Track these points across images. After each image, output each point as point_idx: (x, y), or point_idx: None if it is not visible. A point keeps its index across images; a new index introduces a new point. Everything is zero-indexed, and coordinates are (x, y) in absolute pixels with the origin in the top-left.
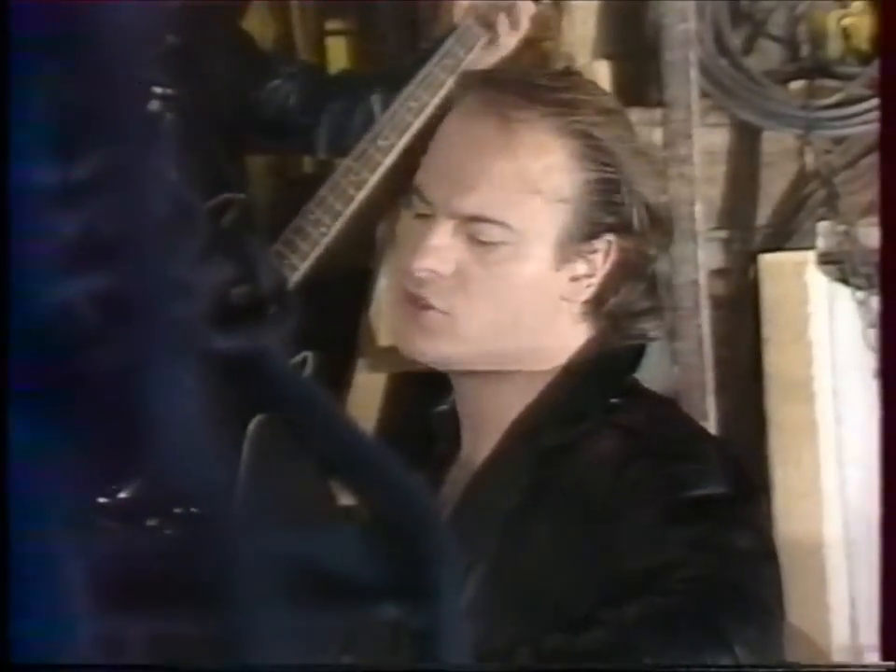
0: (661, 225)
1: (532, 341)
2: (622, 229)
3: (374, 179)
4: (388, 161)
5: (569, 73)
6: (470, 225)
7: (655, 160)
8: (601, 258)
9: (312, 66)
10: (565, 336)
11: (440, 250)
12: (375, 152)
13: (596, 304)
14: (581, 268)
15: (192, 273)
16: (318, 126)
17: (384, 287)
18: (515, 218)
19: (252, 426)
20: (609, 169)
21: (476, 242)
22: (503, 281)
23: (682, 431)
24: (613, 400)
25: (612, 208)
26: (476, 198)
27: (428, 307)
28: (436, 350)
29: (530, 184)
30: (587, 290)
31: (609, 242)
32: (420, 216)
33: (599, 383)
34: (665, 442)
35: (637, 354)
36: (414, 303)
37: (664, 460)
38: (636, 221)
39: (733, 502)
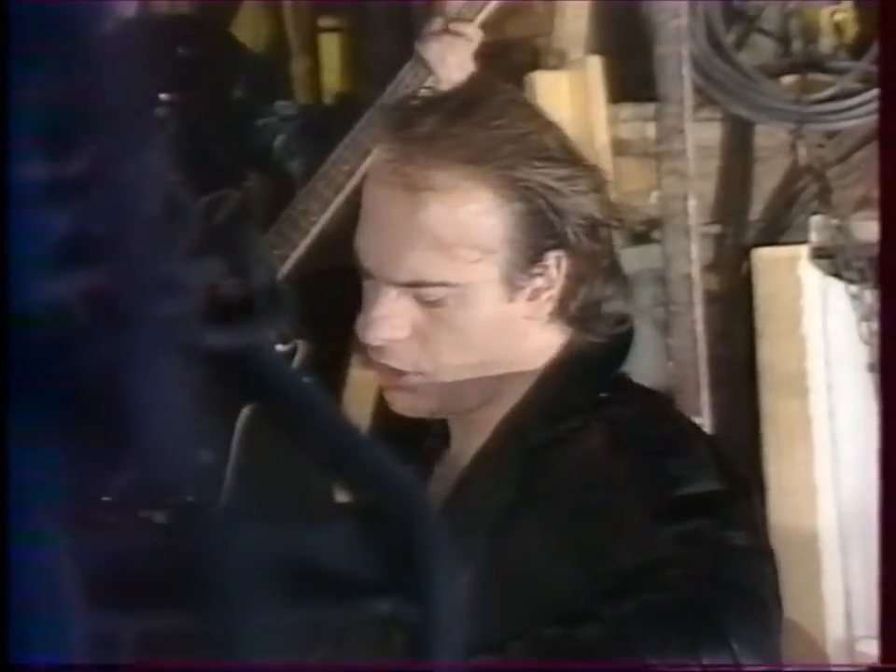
0: (603, 230)
1: (509, 356)
2: (563, 245)
3: (364, 167)
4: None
5: (482, 94)
6: (411, 290)
7: (587, 164)
8: (554, 270)
9: (309, 109)
10: (542, 340)
11: (388, 318)
12: (364, 139)
13: (561, 312)
14: (538, 282)
15: (184, 269)
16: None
17: None
18: (452, 275)
19: (241, 417)
20: (533, 199)
21: (423, 302)
22: (460, 329)
23: (673, 426)
24: (602, 395)
25: (548, 230)
26: (407, 265)
27: (400, 373)
28: (420, 406)
29: (455, 239)
30: (548, 304)
31: (558, 257)
32: (368, 279)
33: (586, 377)
34: (655, 438)
35: (623, 346)
36: (385, 369)
37: (653, 456)
38: (571, 238)
39: (725, 498)
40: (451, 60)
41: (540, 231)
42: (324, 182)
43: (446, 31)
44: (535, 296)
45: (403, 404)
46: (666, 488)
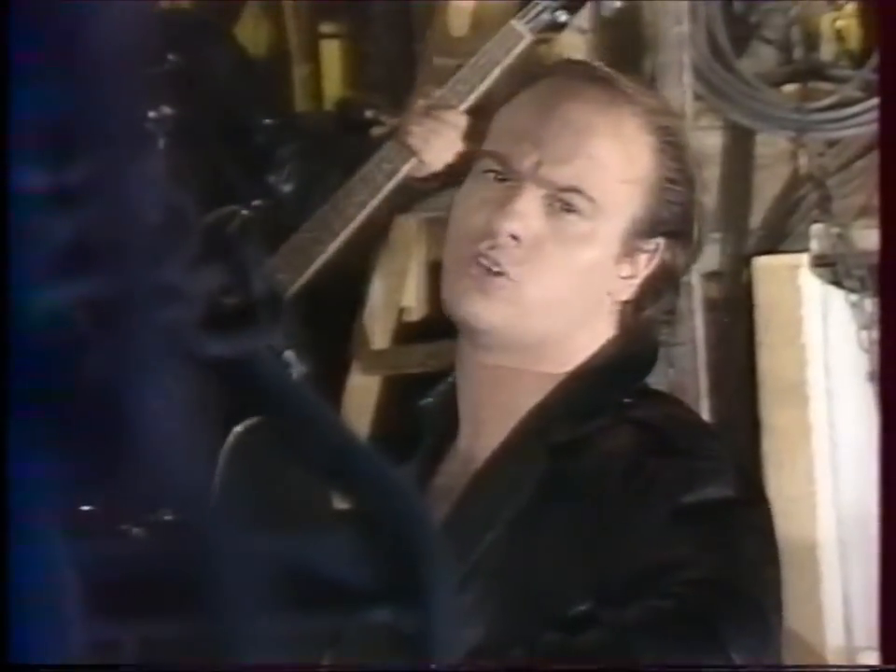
0: (699, 235)
1: (569, 330)
2: (675, 234)
3: (375, 202)
4: (390, 185)
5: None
6: (559, 194)
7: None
8: (645, 260)
9: (305, 122)
10: (593, 335)
11: (524, 216)
12: (378, 175)
13: (635, 308)
14: (637, 261)
15: (184, 278)
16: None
17: (377, 291)
18: (602, 196)
19: (232, 436)
20: (679, 172)
21: (556, 215)
22: (572, 259)
23: (697, 430)
24: (626, 400)
25: (674, 210)
26: (571, 170)
27: (497, 273)
28: (492, 314)
29: (623, 167)
30: (629, 290)
31: (657, 245)
32: (500, 180)
33: (614, 383)
34: (682, 439)
35: (652, 357)
36: (482, 267)
37: (680, 456)
38: (695, 228)
39: (741, 505)
40: (435, 144)
41: (668, 207)
42: (334, 212)
43: (430, 116)
44: (624, 278)
45: (476, 309)
46: (686, 490)
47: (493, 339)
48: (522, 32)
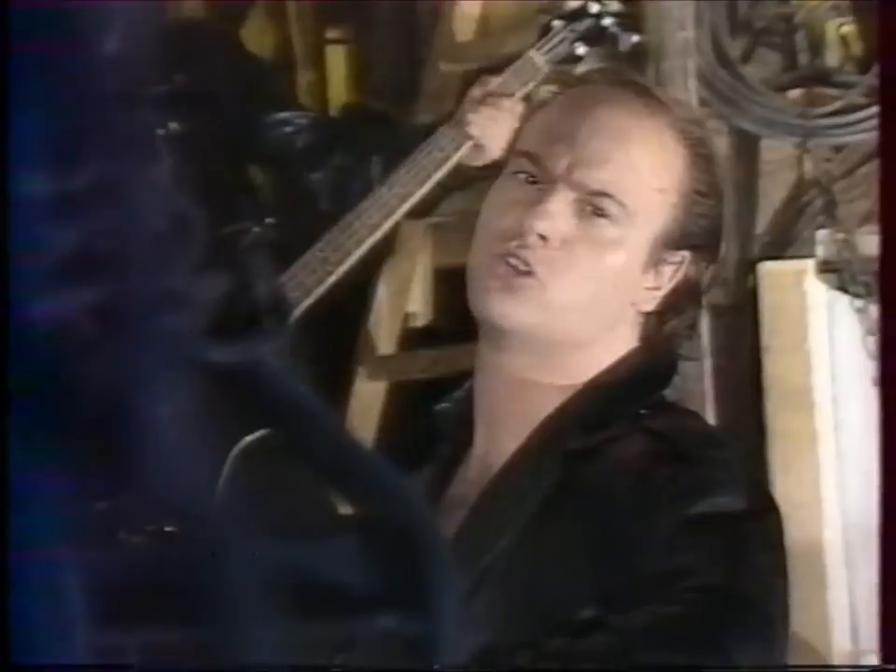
0: (725, 251)
1: (591, 336)
2: (701, 248)
3: (387, 225)
4: (404, 208)
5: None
6: (590, 198)
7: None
8: (670, 273)
9: (318, 117)
10: (614, 344)
11: (554, 217)
12: (391, 198)
13: (658, 321)
14: (662, 272)
15: (189, 285)
16: (322, 178)
17: (383, 297)
18: (633, 203)
19: (240, 445)
20: (709, 186)
21: (586, 218)
22: (600, 264)
23: (709, 441)
24: (642, 411)
25: (702, 224)
26: (603, 174)
27: (525, 273)
28: (518, 314)
29: (656, 175)
30: (652, 301)
31: (683, 258)
32: (531, 182)
33: (632, 394)
34: (693, 450)
35: (670, 370)
36: (510, 267)
37: (692, 466)
38: (723, 244)
39: (751, 514)
40: (494, 131)
41: (697, 220)
42: (347, 233)
43: (488, 104)
44: (648, 289)
45: (502, 309)
46: (697, 499)
47: (516, 340)
48: (539, 63)
